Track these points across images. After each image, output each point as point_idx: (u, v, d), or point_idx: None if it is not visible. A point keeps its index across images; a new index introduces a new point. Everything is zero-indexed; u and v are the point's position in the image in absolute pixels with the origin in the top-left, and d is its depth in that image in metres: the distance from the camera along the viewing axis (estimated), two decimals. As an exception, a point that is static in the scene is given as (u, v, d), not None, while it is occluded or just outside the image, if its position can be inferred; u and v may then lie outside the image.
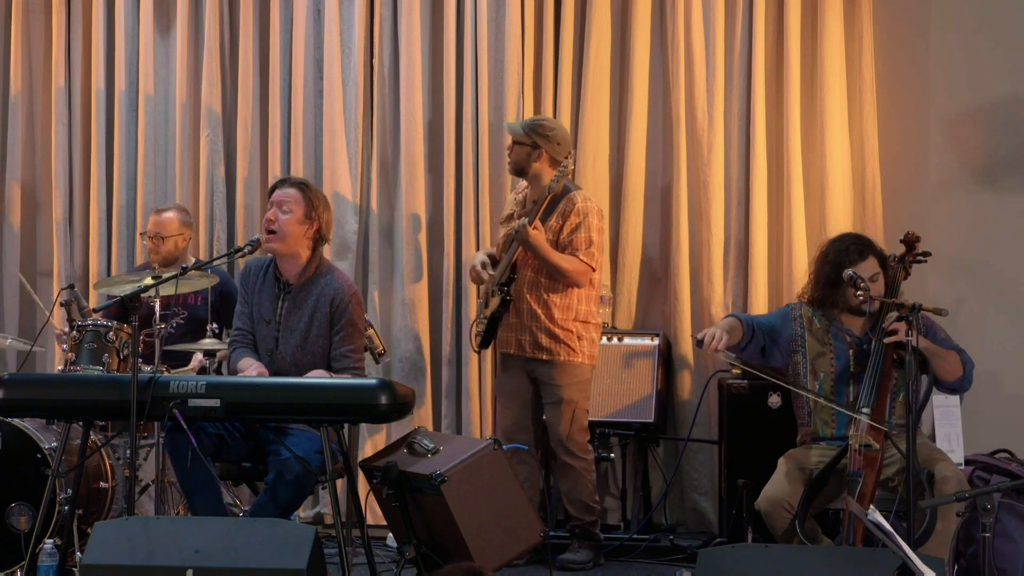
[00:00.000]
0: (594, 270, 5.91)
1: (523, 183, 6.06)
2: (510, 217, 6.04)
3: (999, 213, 6.53)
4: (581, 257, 5.83)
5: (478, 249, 6.75)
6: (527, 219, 5.78)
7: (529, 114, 6.75)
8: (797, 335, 5.30)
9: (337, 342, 5.35)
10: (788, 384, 5.28)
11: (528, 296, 5.87)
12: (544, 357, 5.86)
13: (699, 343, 5.15)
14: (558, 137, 5.93)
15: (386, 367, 6.71)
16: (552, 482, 6.27)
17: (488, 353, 6.71)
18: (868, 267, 5.21)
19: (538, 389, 5.96)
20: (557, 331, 5.85)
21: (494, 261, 6.02)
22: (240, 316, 5.52)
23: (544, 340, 5.85)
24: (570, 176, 6.04)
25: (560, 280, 5.85)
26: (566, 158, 5.92)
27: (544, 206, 5.84)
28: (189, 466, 5.06)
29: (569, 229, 5.84)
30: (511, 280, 5.88)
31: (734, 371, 6.11)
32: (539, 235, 5.78)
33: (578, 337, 5.88)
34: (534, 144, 5.90)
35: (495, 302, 5.90)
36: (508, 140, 6.07)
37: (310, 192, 5.44)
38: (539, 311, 5.85)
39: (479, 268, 5.98)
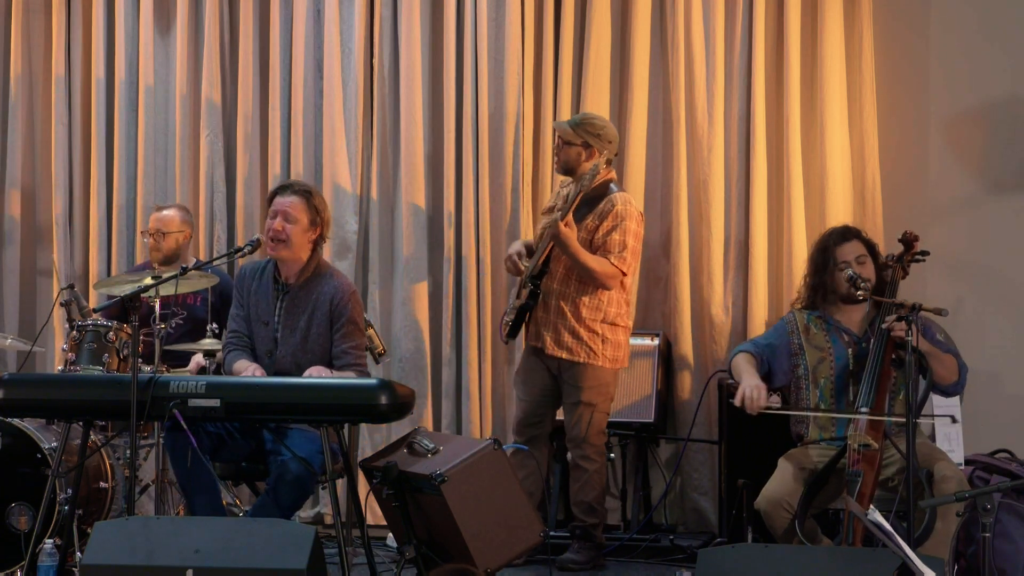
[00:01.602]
0: (625, 274, 5.85)
1: (566, 178, 6.02)
2: (551, 210, 6.00)
3: (999, 213, 6.53)
4: (612, 260, 5.77)
5: (478, 249, 6.76)
6: (560, 215, 5.74)
7: (529, 114, 6.76)
8: (796, 346, 5.29)
9: (338, 340, 5.35)
10: (806, 412, 5.23)
11: (558, 292, 5.84)
12: (565, 356, 5.84)
13: (742, 406, 5.06)
14: (608, 135, 5.89)
15: (386, 367, 6.71)
16: (552, 482, 6.27)
17: (488, 353, 6.72)
18: (852, 248, 5.25)
19: (557, 386, 5.95)
20: (582, 331, 5.82)
21: (530, 251, 6.00)
22: (235, 319, 5.51)
23: (567, 339, 5.83)
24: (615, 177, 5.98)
25: (587, 279, 5.80)
26: (615, 155, 5.90)
27: (576, 202, 5.76)
28: (189, 466, 5.06)
29: (604, 230, 5.80)
30: (543, 273, 5.85)
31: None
32: (571, 232, 5.73)
33: (602, 340, 5.84)
34: (585, 143, 5.86)
35: (525, 294, 5.88)
36: (553, 139, 6.01)
37: (314, 199, 5.42)
38: (566, 308, 5.83)
39: (515, 258, 5.96)
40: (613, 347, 5.88)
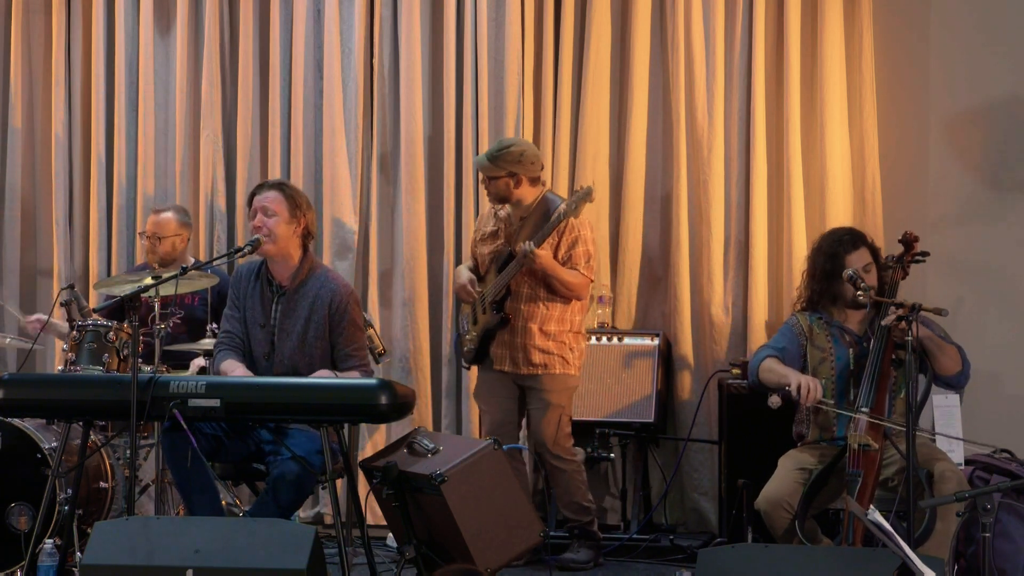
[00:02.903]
0: (591, 282, 5.95)
1: None
2: (494, 234, 5.99)
3: (999, 213, 6.53)
4: (582, 271, 5.83)
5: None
6: (532, 243, 5.71)
7: (529, 114, 6.75)
8: (802, 347, 5.30)
9: (341, 343, 5.34)
10: (853, 412, 5.20)
11: (524, 312, 5.84)
12: (540, 372, 5.86)
13: (791, 399, 5.07)
14: (530, 156, 5.87)
15: (386, 367, 6.71)
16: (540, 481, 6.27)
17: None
18: (860, 257, 5.24)
19: (523, 395, 5.96)
20: (551, 345, 5.84)
21: (477, 275, 6.00)
22: (229, 320, 5.49)
23: (537, 356, 5.84)
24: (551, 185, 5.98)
25: (564, 294, 5.82)
26: (541, 170, 5.90)
27: (555, 230, 5.75)
28: (189, 466, 5.05)
29: (567, 245, 5.82)
30: (505, 298, 5.86)
31: (734, 371, 6.13)
32: (548, 256, 5.75)
33: (570, 349, 5.88)
34: (509, 172, 5.84)
35: (486, 319, 5.88)
36: (475, 175, 6.02)
37: (290, 190, 5.41)
38: (533, 327, 5.83)
39: (469, 287, 5.95)
40: (579, 355, 5.95)
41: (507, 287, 5.84)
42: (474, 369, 6.69)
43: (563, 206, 5.75)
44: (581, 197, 5.79)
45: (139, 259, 6.98)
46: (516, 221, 5.93)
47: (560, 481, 5.92)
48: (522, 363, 5.86)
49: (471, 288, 5.95)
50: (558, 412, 5.87)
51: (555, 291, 5.83)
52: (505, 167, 5.83)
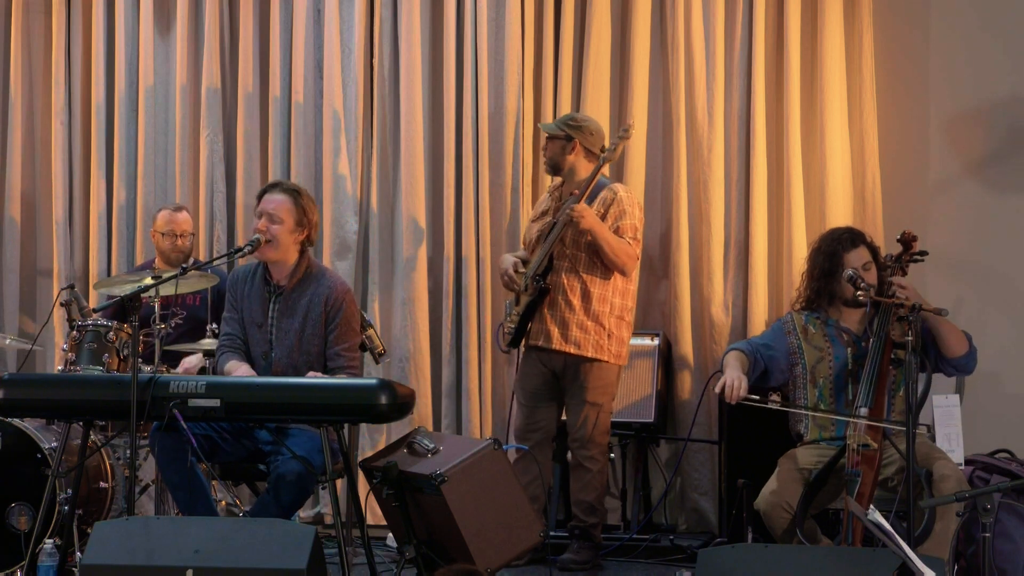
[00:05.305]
0: (638, 259, 5.93)
1: (556, 181, 6.03)
2: (543, 214, 6.00)
3: (999, 213, 6.53)
4: (628, 241, 5.81)
5: (478, 250, 6.75)
6: (574, 200, 5.72)
7: (529, 114, 6.77)
8: (794, 346, 5.30)
9: (332, 341, 5.34)
10: (798, 409, 5.23)
11: (566, 285, 5.82)
12: (572, 350, 5.80)
13: (720, 395, 5.10)
14: (591, 128, 5.92)
15: (386, 367, 6.71)
16: (552, 482, 6.26)
17: (489, 353, 6.72)
18: (859, 256, 5.24)
19: (560, 387, 5.94)
20: (590, 324, 5.80)
21: (524, 262, 5.99)
22: (229, 321, 5.50)
23: (575, 332, 5.80)
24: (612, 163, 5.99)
25: (608, 264, 5.78)
26: (606, 149, 5.90)
27: (593, 184, 5.78)
28: (189, 466, 5.06)
29: (614, 217, 5.80)
30: (548, 271, 5.85)
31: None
32: (592, 213, 5.74)
33: (608, 335, 5.83)
34: (567, 136, 5.88)
35: (528, 296, 5.87)
36: (542, 140, 6.06)
37: (302, 200, 5.37)
38: (576, 301, 5.81)
39: (512, 273, 5.91)
40: (618, 343, 5.88)
41: (549, 259, 5.82)
42: (474, 369, 6.73)
43: (605, 152, 5.83)
44: (620, 137, 5.85)
45: (139, 259, 6.98)
46: (567, 196, 5.91)
47: (581, 479, 5.90)
48: (557, 338, 5.82)
49: (513, 273, 5.91)
50: (595, 410, 5.83)
51: (600, 256, 5.78)
52: (564, 129, 5.89)
